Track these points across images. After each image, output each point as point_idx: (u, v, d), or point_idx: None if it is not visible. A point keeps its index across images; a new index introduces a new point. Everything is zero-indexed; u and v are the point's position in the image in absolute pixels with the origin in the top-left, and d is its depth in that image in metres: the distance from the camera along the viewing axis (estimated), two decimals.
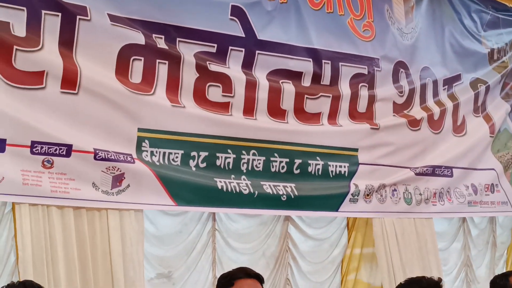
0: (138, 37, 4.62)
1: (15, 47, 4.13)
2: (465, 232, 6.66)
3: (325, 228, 5.70)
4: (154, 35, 4.70)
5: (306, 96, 5.42)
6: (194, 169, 4.81)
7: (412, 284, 4.45)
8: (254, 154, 5.09)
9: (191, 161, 4.80)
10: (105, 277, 4.33)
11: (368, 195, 5.69)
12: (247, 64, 5.10)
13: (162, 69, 4.73)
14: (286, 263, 5.42)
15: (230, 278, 3.52)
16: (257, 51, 5.15)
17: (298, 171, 5.30)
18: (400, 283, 4.51)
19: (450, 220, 6.54)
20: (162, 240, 4.84)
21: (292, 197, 5.25)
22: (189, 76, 4.84)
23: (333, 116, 5.58)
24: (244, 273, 3.54)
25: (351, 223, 5.88)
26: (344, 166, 5.57)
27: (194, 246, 4.97)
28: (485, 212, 6.70)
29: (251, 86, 5.10)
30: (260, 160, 5.10)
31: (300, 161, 5.30)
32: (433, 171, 6.24)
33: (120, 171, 4.43)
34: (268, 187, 5.11)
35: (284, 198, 5.22)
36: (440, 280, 4.42)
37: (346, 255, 5.86)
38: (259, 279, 3.52)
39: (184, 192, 4.71)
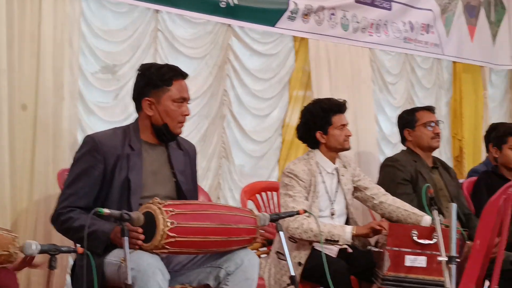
0: None
1: None
2: (408, 70, 6.91)
3: (271, 44, 5.75)
4: None
5: None
6: None
7: (317, 104, 4.68)
8: None
9: None
10: (30, 60, 4.37)
11: (306, 15, 5.81)
12: None
13: None
14: (225, 74, 5.50)
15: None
16: None
17: None
18: (309, 103, 4.75)
19: (393, 55, 6.71)
20: (108, 34, 4.90)
21: (232, 5, 5.33)
22: None
23: None
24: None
25: (298, 45, 5.92)
26: None
27: (139, 44, 5.06)
28: (419, 51, 6.88)
29: None
30: None
31: None
32: (373, 1, 6.35)
33: None
34: None
35: (223, 4, 5.27)
36: (344, 101, 4.64)
37: (293, 74, 5.98)
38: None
39: None
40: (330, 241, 4.36)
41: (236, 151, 5.62)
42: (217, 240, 3.35)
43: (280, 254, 4.38)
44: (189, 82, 5.19)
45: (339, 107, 4.69)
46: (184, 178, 3.69)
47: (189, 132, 5.14)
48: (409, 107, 6.35)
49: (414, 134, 5.25)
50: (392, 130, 6.52)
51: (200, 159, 5.26)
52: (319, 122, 4.63)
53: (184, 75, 3.69)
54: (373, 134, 6.39)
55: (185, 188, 3.67)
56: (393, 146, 6.51)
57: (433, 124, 5.22)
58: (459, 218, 5.10)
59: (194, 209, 3.36)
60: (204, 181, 5.32)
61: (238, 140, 5.62)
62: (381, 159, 6.10)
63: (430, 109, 5.36)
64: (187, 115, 3.68)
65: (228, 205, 4.00)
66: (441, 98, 7.27)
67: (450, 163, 7.12)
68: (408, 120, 5.31)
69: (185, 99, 3.66)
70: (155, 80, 3.58)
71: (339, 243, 4.41)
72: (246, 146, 5.67)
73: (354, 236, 4.37)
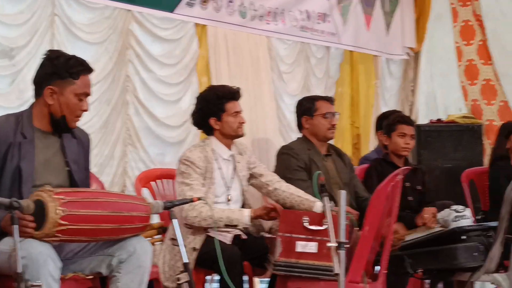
0: None
1: None
2: (304, 59, 6.99)
3: (173, 30, 5.74)
4: None
5: None
6: None
7: (211, 90, 4.74)
8: None
9: None
10: None
11: (204, 1, 5.83)
12: None
13: None
14: (127, 60, 5.46)
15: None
16: None
17: None
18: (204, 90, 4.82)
19: (289, 44, 6.77)
20: (5, 18, 4.83)
21: None
22: None
23: None
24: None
25: (200, 31, 5.93)
26: None
27: (36, 29, 4.98)
28: (316, 40, 6.97)
29: None
30: None
31: None
32: None
33: None
34: None
35: None
36: (238, 88, 4.70)
37: (199, 61, 6.00)
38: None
39: None
40: (230, 226, 4.42)
41: (152, 139, 5.60)
42: (109, 228, 3.35)
43: (175, 241, 4.41)
44: None
45: (232, 94, 4.74)
46: (77, 167, 3.67)
47: (90, 118, 5.12)
48: (305, 95, 6.46)
49: (312, 123, 5.32)
50: (290, 118, 6.62)
51: (102, 146, 5.23)
52: (213, 109, 4.68)
53: (90, 71, 3.66)
54: (272, 122, 6.46)
55: (78, 177, 3.65)
56: (292, 134, 6.60)
57: (331, 115, 5.32)
58: (352, 204, 5.25)
59: (86, 197, 3.35)
60: (108, 169, 5.29)
61: (150, 127, 5.59)
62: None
63: (329, 99, 5.45)
64: (86, 110, 3.66)
65: (121, 193, 4.01)
66: (334, 87, 7.40)
67: (348, 151, 7.30)
68: (307, 108, 5.39)
69: (87, 95, 3.64)
70: (62, 71, 3.53)
71: (239, 227, 4.47)
72: (162, 133, 5.65)
73: (252, 219, 4.44)
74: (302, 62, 6.96)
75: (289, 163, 5.17)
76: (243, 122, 4.75)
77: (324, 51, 7.23)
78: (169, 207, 3.66)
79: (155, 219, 4.82)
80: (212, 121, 4.69)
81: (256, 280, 6.05)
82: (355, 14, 7.49)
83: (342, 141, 7.34)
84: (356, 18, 7.51)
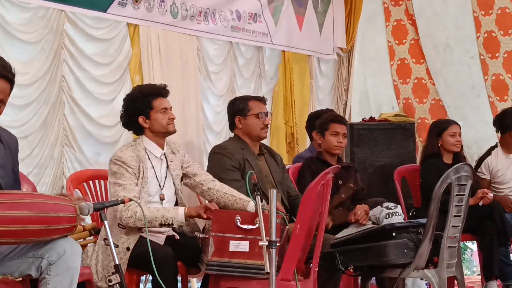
0: None
1: None
2: (231, 59, 6.97)
3: (105, 30, 5.71)
4: None
5: None
6: None
7: (137, 89, 4.76)
8: None
9: None
10: None
11: (136, 1, 5.80)
12: None
13: None
14: (62, 59, 5.41)
15: None
16: None
17: None
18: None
19: (219, 44, 6.77)
20: None
21: None
22: None
23: None
24: None
25: (133, 31, 5.90)
26: None
27: None
28: (247, 40, 7.00)
29: None
30: None
31: None
32: None
33: None
34: None
35: None
36: (165, 85, 4.72)
37: (132, 60, 5.95)
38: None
39: None
40: (165, 225, 4.41)
41: (88, 139, 5.53)
42: (37, 229, 3.31)
43: (108, 241, 4.39)
44: (26, 67, 5.06)
45: (158, 90, 4.75)
46: (3, 172, 3.61)
47: (29, 118, 5.07)
48: (231, 96, 6.50)
49: (245, 122, 5.36)
50: (216, 119, 6.63)
51: (42, 147, 5.17)
52: (140, 107, 4.68)
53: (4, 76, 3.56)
54: (199, 123, 6.45)
55: (4, 182, 3.59)
56: (216, 134, 6.61)
57: (264, 114, 5.35)
58: (284, 203, 5.29)
59: (11, 198, 3.31)
60: (48, 170, 5.22)
61: (85, 127, 5.53)
62: (206, 147, 6.21)
63: (262, 99, 5.49)
64: None
65: (48, 194, 3.96)
66: (267, 86, 7.43)
67: (283, 149, 7.35)
68: (240, 108, 5.41)
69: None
70: None
71: (174, 226, 4.47)
72: (97, 133, 5.59)
73: (187, 217, 4.44)
74: (230, 62, 6.96)
75: (223, 163, 5.20)
76: (173, 118, 4.74)
77: (253, 51, 7.25)
78: (99, 209, 3.65)
79: (88, 221, 4.79)
80: (141, 119, 4.68)
81: (194, 280, 6.06)
82: (287, 15, 7.52)
83: (278, 140, 7.39)
84: (288, 19, 7.54)
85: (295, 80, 7.64)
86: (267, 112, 5.41)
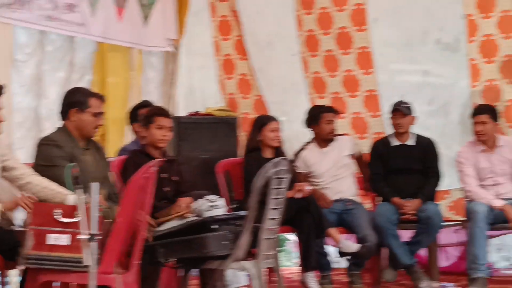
0: None
1: None
2: (41, 47, 6.83)
3: None
4: None
5: None
6: None
7: None
8: None
9: None
10: None
11: None
12: None
13: None
14: None
15: None
16: None
17: None
18: None
19: (31, 33, 6.63)
20: None
21: None
22: None
23: None
24: None
25: None
26: None
27: None
28: (61, 30, 6.84)
29: None
30: None
31: None
32: None
33: None
34: None
35: None
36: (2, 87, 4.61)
37: None
38: None
39: None
40: None
41: None
42: None
43: None
44: None
45: None
46: None
47: None
48: (37, 88, 6.43)
49: (80, 117, 5.16)
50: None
51: None
52: None
53: None
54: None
55: None
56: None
57: (100, 115, 5.24)
58: (111, 197, 5.26)
59: None
60: None
61: None
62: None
63: (102, 98, 5.34)
64: None
65: None
66: (82, 77, 7.33)
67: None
68: (79, 101, 5.12)
69: None
70: None
71: None
72: None
73: (3, 211, 4.35)
74: (39, 52, 6.82)
75: (51, 153, 5.03)
76: None
77: (64, 41, 7.11)
78: None
79: None
80: None
81: (13, 272, 5.92)
82: (105, 5, 7.36)
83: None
84: (106, 9, 7.39)
85: (111, 71, 7.53)
86: (103, 112, 5.30)
